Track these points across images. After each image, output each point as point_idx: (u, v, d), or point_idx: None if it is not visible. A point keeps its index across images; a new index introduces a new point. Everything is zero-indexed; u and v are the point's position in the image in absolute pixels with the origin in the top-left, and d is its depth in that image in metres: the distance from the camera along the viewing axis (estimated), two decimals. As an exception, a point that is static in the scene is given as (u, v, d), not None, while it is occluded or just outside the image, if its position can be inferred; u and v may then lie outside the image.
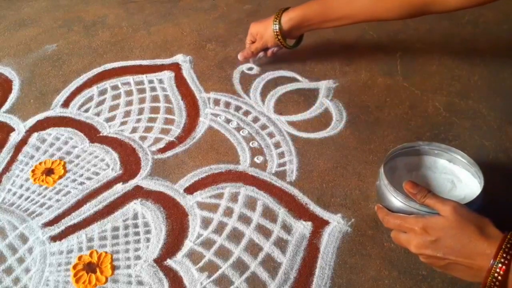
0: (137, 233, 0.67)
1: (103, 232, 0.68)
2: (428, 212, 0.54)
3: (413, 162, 0.66)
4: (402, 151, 0.66)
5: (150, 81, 0.95)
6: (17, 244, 0.67)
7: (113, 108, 0.89)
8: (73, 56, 1.04)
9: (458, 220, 0.48)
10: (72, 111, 0.89)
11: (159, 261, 0.64)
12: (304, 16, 0.83)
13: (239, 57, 0.95)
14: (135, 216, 0.69)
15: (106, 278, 0.62)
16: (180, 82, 0.95)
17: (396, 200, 0.58)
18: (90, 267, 0.63)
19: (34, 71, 1.00)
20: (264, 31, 0.88)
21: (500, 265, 0.44)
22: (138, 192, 0.73)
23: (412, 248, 0.53)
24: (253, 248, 0.65)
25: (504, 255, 0.44)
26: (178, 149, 0.80)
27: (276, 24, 0.85)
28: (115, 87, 0.94)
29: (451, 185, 0.62)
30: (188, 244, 0.65)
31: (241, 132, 0.82)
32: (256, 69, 0.97)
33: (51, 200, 0.72)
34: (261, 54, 0.94)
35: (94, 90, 0.93)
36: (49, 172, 0.77)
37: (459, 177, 0.63)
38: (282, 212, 0.69)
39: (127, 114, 0.88)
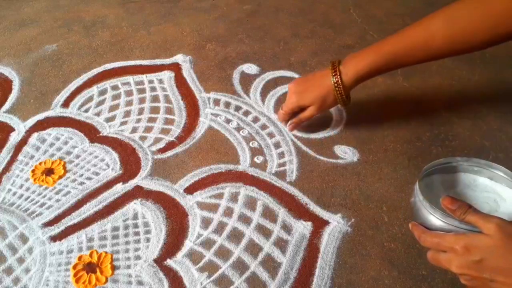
0: (137, 233, 0.67)
1: (103, 232, 0.68)
2: (469, 229, 0.48)
3: (450, 179, 0.60)
4: (438, 168, 0.60)
5: (150, 81, 0.95)
6: (17, 244, 0.67)
7: (113, 108, 0.89)
8: (73, 56, 1.04)
9: (504, 238, 0.44)
10: (72, 111, 0.89)
11: (159, 261, 0.64)
12: (368, 70, 0.69)
13: (288, 128, 0.82)
14: (135, 216, 0.69)
15: (106, 278, 0.62)
16: (180, 82, 0.95)
17: (433, 218, 0.52)
18: (90, 267, 0.63)
19: (34, 71, 1.00)
20: (318, 98, 0.74)
21: None
22: (138, 192, 0.73)
23: (453, 269, 0.47)
24: (253, 248, 0.65)
25: None
26: (178, 149, 0.80)
27: (338, 82, 0.70)
28: (115, 87, 0.94)
29: (494, 204, 0.57)
30: (188, 244, 0.65)
31: (241, 132, 0.82)
32: (256, 69, 0.97)
33: (51, 200, 0.72)
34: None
35: (94, 90, 0.93)
36: (49, 172, 0.77)
37: (502, 195, 0.57)
38: (282, 212, 0.69)
39: (127, 114, 0.88)
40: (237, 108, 0.87)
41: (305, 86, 0.74)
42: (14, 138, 0.83)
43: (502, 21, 0.59)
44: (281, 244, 0.65)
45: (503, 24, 0.59)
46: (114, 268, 0.63)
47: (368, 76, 0.70)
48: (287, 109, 0.78)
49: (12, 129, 0.85)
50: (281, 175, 0.74)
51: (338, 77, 0.70)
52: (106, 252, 0.65)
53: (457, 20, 0.62)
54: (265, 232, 0.66)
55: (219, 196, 0.72)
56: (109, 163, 0.78)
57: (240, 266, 0.63)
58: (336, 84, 0.70)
